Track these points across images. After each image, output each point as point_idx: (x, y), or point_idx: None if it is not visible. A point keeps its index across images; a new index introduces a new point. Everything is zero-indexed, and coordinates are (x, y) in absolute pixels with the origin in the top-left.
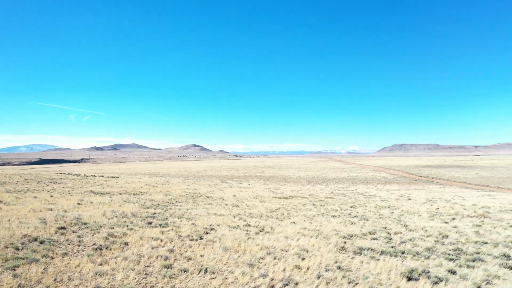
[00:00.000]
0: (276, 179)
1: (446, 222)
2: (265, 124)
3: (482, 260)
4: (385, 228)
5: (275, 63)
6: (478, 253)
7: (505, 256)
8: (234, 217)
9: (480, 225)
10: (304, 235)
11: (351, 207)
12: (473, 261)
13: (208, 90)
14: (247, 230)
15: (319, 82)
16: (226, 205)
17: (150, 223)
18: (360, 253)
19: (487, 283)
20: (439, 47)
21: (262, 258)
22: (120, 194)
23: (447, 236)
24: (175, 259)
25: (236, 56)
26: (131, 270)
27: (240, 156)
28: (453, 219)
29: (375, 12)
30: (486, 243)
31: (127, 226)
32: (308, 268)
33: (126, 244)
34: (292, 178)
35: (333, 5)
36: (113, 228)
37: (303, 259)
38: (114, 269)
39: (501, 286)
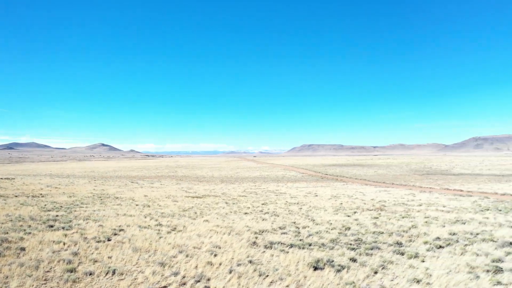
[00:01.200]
0: (190, 179)
1: (348, 216)
2: (178, 124)
3: (379, 248)
4: (294, 223)
5: (187, 61)
6: (376, 242)
7: (398, 244)
8: (145, 217)
9: (377, 217)
10: (217, 232)
11: (263, 204)
12: (371, 249)
13: (117, 85)
14: (159, 230)
15: (231, 83)
16: (137, 205)
17: (52, 226)
18: (271, 247)
19: (382, 268)
20: (344, 51)
21: (174, 257)
22: (16, 196)
23: (349, 228)
24: (79, 262)
25: (144, 50)
26: (28, 276)
27: (152, 156)
28: (355, 212)
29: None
30: (382, 233)
31: (24, 230)
32: (220, 264)
33: (23, 249)
34: (206, 178)
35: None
36: (7, 233)
37: (215, 255)
38: (7, 277)
39: (394, 270)
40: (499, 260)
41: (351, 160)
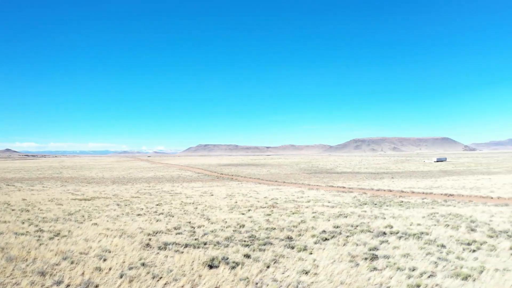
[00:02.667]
0: (77, 180)
1: (243, 214)
2: (63, 120)
3: (271, 244)
4: (190, 222)
5: (74, 55)
6: (268, 237)
7: (288, 238)
8: (23, 223)
9: (270, 214)
10: (107, 236)
11: (157, 205)
12: (264, 245)
13: None
14: (39, 236)
15: (122, 79)
16: (13, 210)
17: None
18: (165, 248)
19: (275, 262)
20: (239, 52)
21: (57, 264)
22: None
23: (243, 226)
24: None
25: (29, 39)
26: None
27: (33, 156)
28: (249, 210)
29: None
30: (275, 229)
31: None
32: (110, 269)
33: None
34: (95, 179)
35: None
36: None
37: (105, 260)
38: None
39: (285, 263)
40: (375, 249)
41: (246, 159)
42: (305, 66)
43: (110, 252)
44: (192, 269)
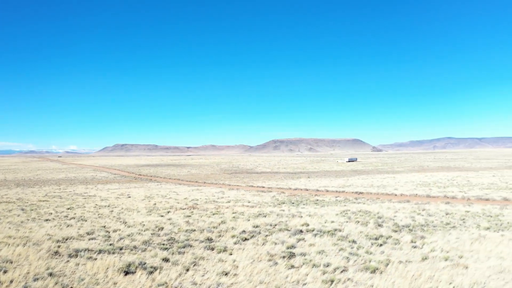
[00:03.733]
0: None
1: (162, 216)
2: None
3: (191, 246)
4: (104, 227)
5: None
6: (188, 239)
7: (208, 240)
8: None
9: (190, 216)
10: (9, 245)
11: (68, 209)
12: (184, 247)
13: None
14: None
15: (27, 74)
16: None
17: None
18: (77, 256)
19: (194, 265)
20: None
21: None
22: None
23: (162, 228)
24: None
25: None
26: None
27: None
28: (168, 212)
29: None
30: (195, 230)
31: None
32: (11, 281)
33: None
34: None
35: None
36: None
37: (5, 272)
38: None
39: (205, 265)
40: (293, 247)
41: (166, 160)
42: (224, 67)
43: (12, 262)
44: (107, 276)
